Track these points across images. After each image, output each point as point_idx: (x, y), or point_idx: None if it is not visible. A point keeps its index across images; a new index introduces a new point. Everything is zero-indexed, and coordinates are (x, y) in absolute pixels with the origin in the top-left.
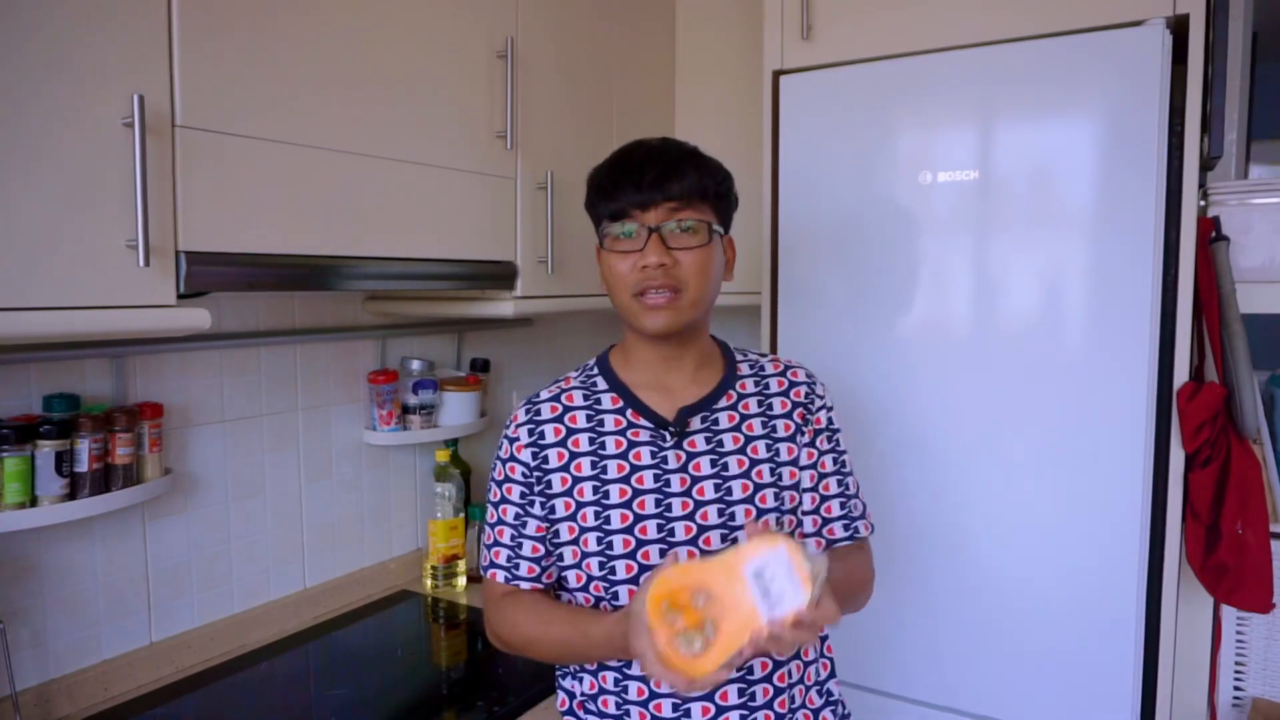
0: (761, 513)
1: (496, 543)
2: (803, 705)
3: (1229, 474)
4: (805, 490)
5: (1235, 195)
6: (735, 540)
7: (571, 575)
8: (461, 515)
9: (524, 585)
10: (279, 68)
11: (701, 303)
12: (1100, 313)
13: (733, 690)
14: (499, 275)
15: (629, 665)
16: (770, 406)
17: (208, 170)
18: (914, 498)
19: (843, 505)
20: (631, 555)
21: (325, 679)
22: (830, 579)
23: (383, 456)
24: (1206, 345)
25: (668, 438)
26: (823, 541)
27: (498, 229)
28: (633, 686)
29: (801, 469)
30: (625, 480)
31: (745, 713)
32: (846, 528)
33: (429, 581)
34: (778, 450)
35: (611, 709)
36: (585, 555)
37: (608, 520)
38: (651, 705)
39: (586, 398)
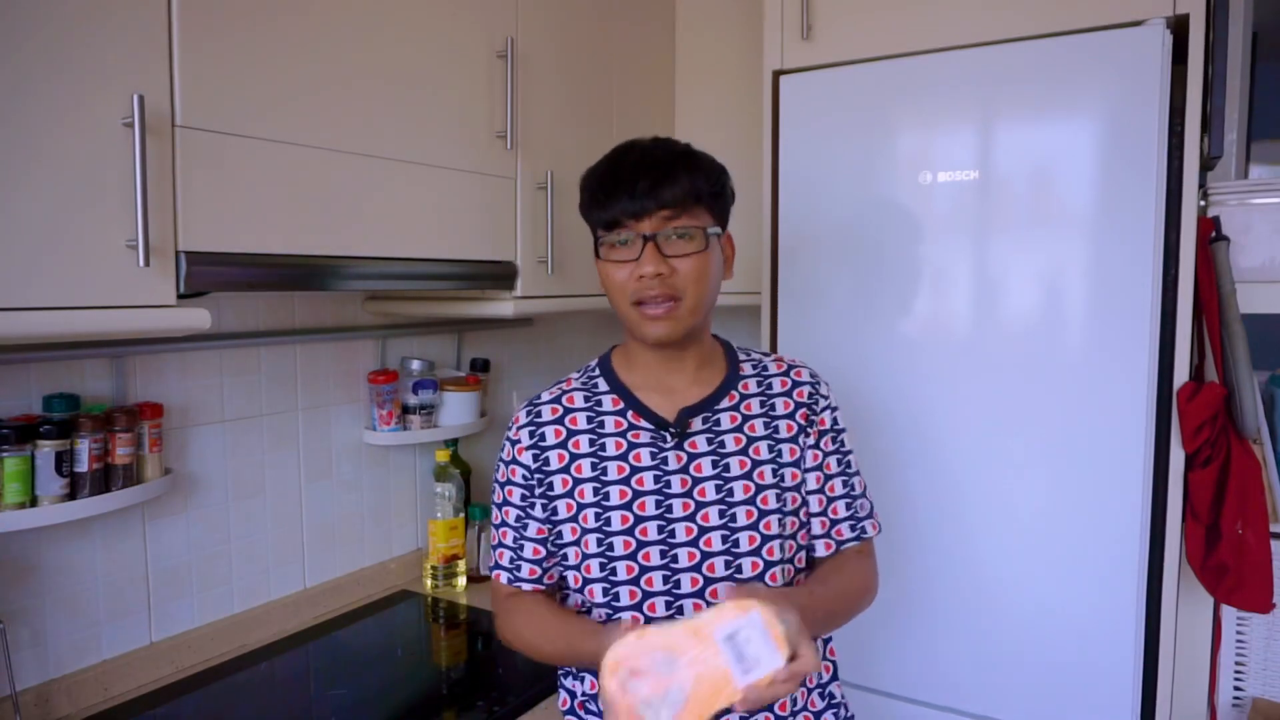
0: (763, 514)
1: (500, 544)
2: (804, 708)
3: (1229, 474)
4: (811, 492)
5: (1235, 195)
6: (736, 541)
7: (573, 576)
8: (461, 515)
9: (526, 586)
10: (279, 68)
11: (700, 308)
12: (1100, 313)
13: None
14: (499, 275)
15: None
16: (773, 407)
17: (208, 170)
18: (913, 498)
19: (849, 506)
20: (632, 556)
21: (325, 679)
22: (821, 603)
23: (383, 456)
24: (1206, 345)
25: (668, 439)
26: (832, 544)
27: (498, 229)
28: None
29: (806, 471)
30: (625, 482)
31: (744, 715)
32: (853, 528)
33: (429, 581)
34: (780, 451)
35: None
36: (586, 557)
37: (608, 522)
38: None
39: (587, 399)
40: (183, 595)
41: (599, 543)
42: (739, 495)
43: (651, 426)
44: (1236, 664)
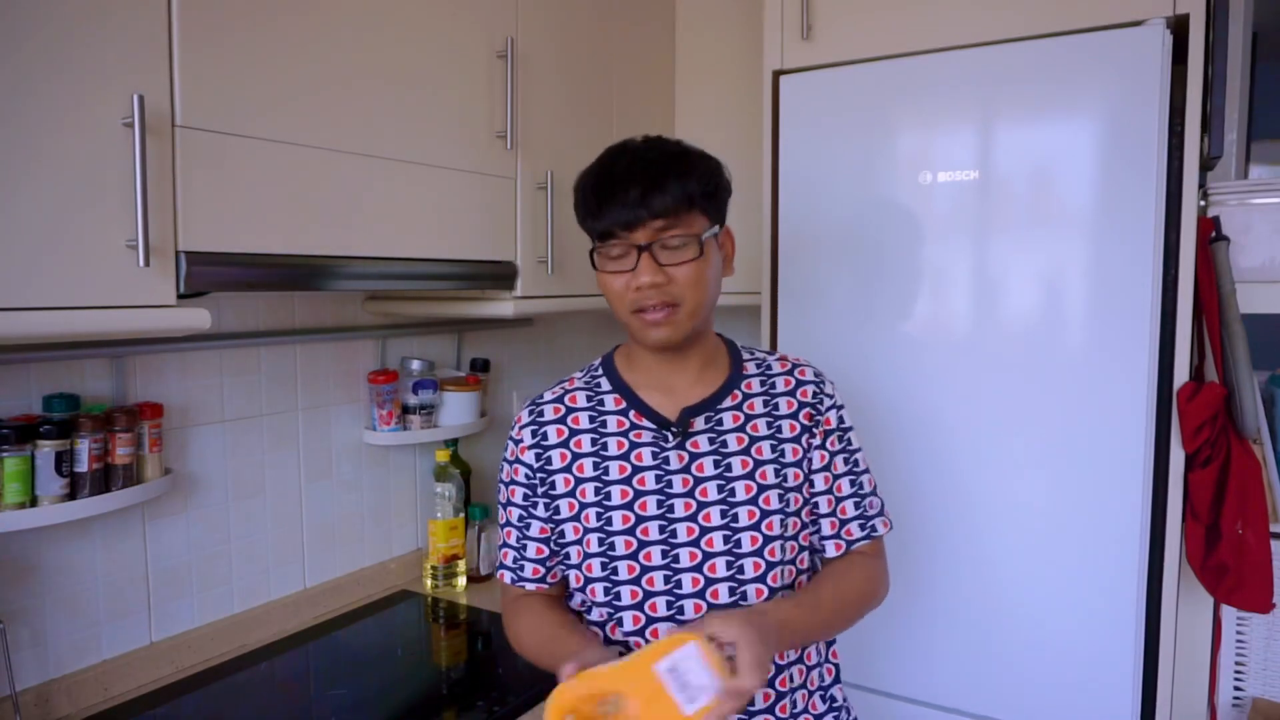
0: (765, 514)
1: (504, 544)
2: (805, 710)
3: (1229, 474)
4: (819, 493)
5: (1235, 195)
6: (738, 542)
7: (574, 575)
8: (461, 515)
9: (529, 586)
10: (279, 68)
11: (699, 312)
12: (1100, 313)
13: None
14: (499, 275)
15: None
16: (776, 406)
17: (208, 170)
18: (912, 498)
19: (857, 505)
20: (633, 556)
21: (325, 679)
22: (812, 612)
23: (383, 456)
24: (1206, 345)
25: (670, 438)
26: (842, 544)
27: (498, 229)
28: None
29: (813, 472)
30: (627, 481)
31: (744, 717)
32: (863, 527)
33: (429, 581)
34: (783, 451)
35: None
36: (588, 556)
37: (609, 521)
38: None
39: (590, 398)
40: (183, 595)
41: (600, 542)
42: (741, 495)
43: (653, 426)
44: (1236, 664)
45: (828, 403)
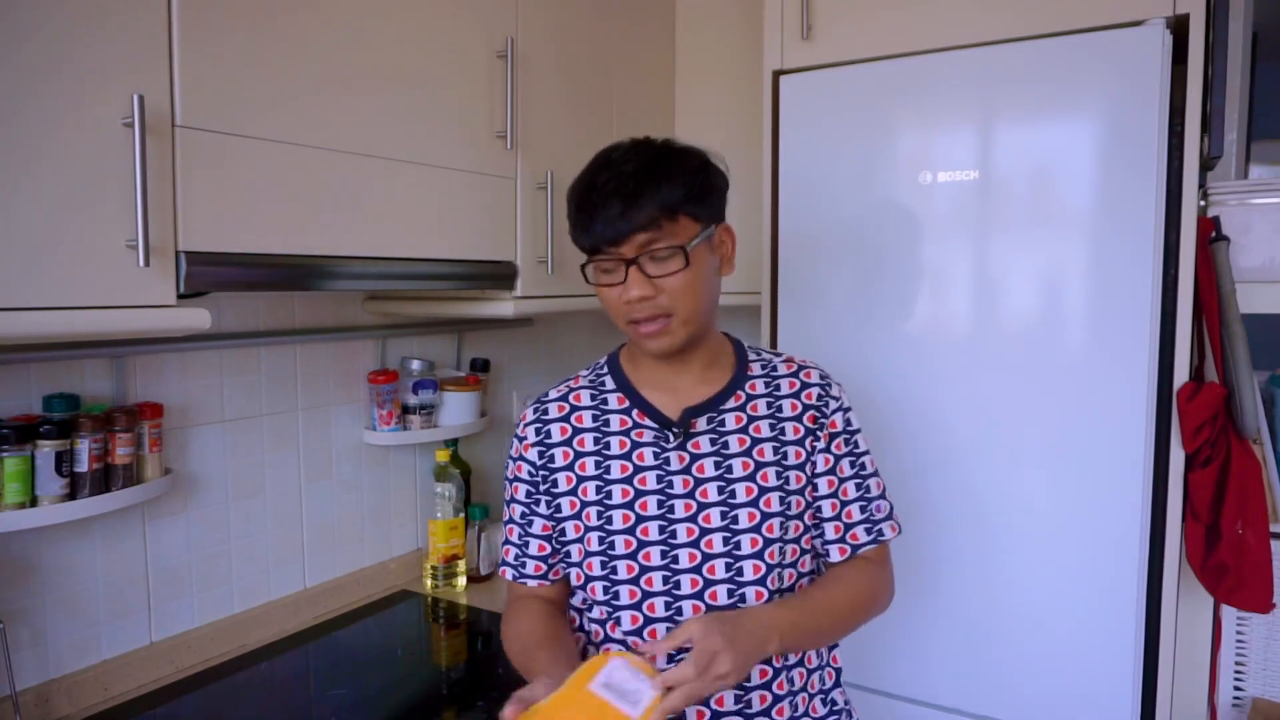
0: (766, 516)
1: (507, 541)
2: (805, 713)
3: (1229, 474)
4: (824, 497)
5: (1235, 195)
6: (738, 544)
7: (575, 573)
8: (461, 515)
9: (531, 583)
10: (279, 68)
11: (695, 318)
12: (1100, 313)
13: (729, 696)
14: (499, 275)
15: None
16: (780, 408)
17: (208, 170)
18: (911, 498)
19: (863, 509)
20: (633, 556)
21: (325, 679)
22: (806, 616)
23: (383, 456)
24: (1206, 345)
25: (671, 438)
26: (847, 548)
27: (498, 229)
28: None
29: (818, 475)
30: (628, 481)
31: (742, 719)
32: (869, 531)
33: (429, 581)
34: (785, 453)
35: None
36: (588, 554)
37: (610, 520)
38: None
39: (594, 397)
40: (183, 595)
41: (600, 541)
42: (741, 497)
43: (655, 426)
44: (1236, 664)
45: (833, 405)
